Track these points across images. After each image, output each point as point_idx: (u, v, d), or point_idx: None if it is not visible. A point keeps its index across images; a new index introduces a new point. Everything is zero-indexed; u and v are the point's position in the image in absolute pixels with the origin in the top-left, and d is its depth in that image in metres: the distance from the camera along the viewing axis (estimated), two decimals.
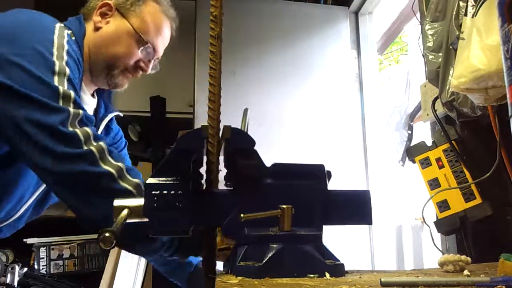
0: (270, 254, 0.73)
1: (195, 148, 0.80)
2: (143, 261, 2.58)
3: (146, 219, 0.76)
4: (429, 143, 1.50)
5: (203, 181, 0.84)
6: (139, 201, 0.76)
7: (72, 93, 0.93)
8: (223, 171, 0.85)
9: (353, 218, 0.85)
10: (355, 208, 0.83)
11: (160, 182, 0.76)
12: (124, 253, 2.64)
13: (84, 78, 1.12)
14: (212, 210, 0.79)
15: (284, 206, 0.74)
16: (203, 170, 0.85)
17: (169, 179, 0.76)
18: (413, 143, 2.09)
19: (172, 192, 0.76)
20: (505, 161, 1.21)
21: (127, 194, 0.89)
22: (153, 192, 0.75)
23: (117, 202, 0.76)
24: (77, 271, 2.70)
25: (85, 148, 0.89)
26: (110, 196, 0.78)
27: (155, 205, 0.75)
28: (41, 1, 3.18)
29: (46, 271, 2.63)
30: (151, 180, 0.76)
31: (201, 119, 2.44)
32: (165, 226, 0.76)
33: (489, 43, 1.00)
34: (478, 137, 1.43)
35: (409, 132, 2.34)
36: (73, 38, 1.07)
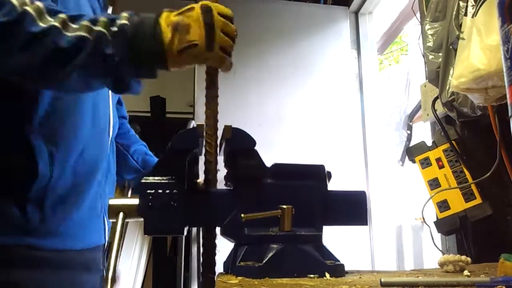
0: (270, 254, 0.73)
1: (190, 148, 0.80)
2: (143, 261, 2.58)
3: None
4: (429, 143, 1.50)
5: (199, 180, 0.84)
6: (134, 201, 0.76)
7: None
8: (223, 171, 0.86)
9: (348, 219, 0.85)
10: (350, 209, 0.83)
11: (155, 181, 0.76)
12: (124, 253, 2.64)
13: None
14: (207, 209, 0.79)
15: (284, 206, 0.74)
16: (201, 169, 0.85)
17: (164, 178, 0.76)
18: (412, 143, 2.09)
19: (167, 191, 0.75)
20: (505, 161, 1.21)
21: (81, 42, 0.73)
22: (148, 191, 0.75)
23: (112, 202, 0.76)
24: None
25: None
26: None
27: (150, 204, 0.75)
28: None
29: None
30: (146, 179, 0.76)
31: (201, 119, 2.43)
32: (160, 225, 0.76)
33: (489, 43, 1.00)
34: (478, 137, 1.43)
35: (408, 132, 2.34)
36: None
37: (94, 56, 0.73)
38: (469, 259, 0.83)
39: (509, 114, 0.68)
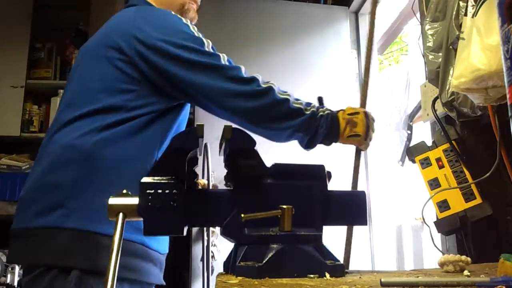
0: (270, 254, 0.72)
1: (191, 147, 0.79)
2: None
3: None
4: (429, 143, 1.50)
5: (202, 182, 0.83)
6: (134, 201, 0.76)
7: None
8: (223, 171, 0.85)
9: (348, 219, 0.85)
10: (350, 209, 0.83)
11: (155, 181, 0.76)
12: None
13: None
14: (207, 209, 0.79)
15: (284, 206, 0.74)
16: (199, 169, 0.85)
17: (164, 178, 0.76)
18: (412, 143, 2.09)
19: (167, 191, 0.75)
20: (505, 161, 1.21)
21: (299, 111, 1.20)
22: (148, 191, 0.75)
23: (112, 201, 0.75)
24: None
25: (265, 86, 1.18)
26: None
27: (150, 204, 0.75)
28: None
29: None
30: (146, 179, 0.76)
31: (201, 119, 2.44)
32: (159, 225, 0.76)
33: (489, 43, 1.00)
34: (478, 137, 1.43)
35: (409, 132, 2.34)
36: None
37: (306, 123, 1.19)
38: (469, 259, 0.83)
39: (509, 114, 0.68)
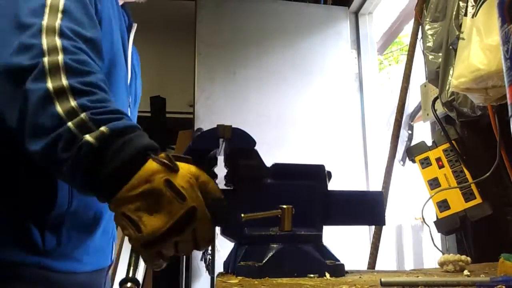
0: (270, 254, 0.73)
1: (211, 148, 0.80)
2: (142, 261, 2.58)
3: None
4: (429, 143, 1.50)
5: None
6: None
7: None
8: (223, 171, 0.86)
9: (366, 219, 0.86)
10: (369, 209, 0.84)
11: None
12: (123, 253, 2.64)
13: None
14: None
15: (285, 206, 0.74)
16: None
17: None
18: (413, 143, 2.09)
19: None
20: (505, 161, 1.21)
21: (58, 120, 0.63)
22: None
23: None
24: None
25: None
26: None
27: None
28: None
29: None
30: None
31: (201, 119, 2.44)
32: None
33: (489, 43, 1.00)
34: (478, 137, 1.43)
35: (409, 132, 2.34)
36: None
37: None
38: (469, 258, 0.83)
39: (509, 114, 0.68)
